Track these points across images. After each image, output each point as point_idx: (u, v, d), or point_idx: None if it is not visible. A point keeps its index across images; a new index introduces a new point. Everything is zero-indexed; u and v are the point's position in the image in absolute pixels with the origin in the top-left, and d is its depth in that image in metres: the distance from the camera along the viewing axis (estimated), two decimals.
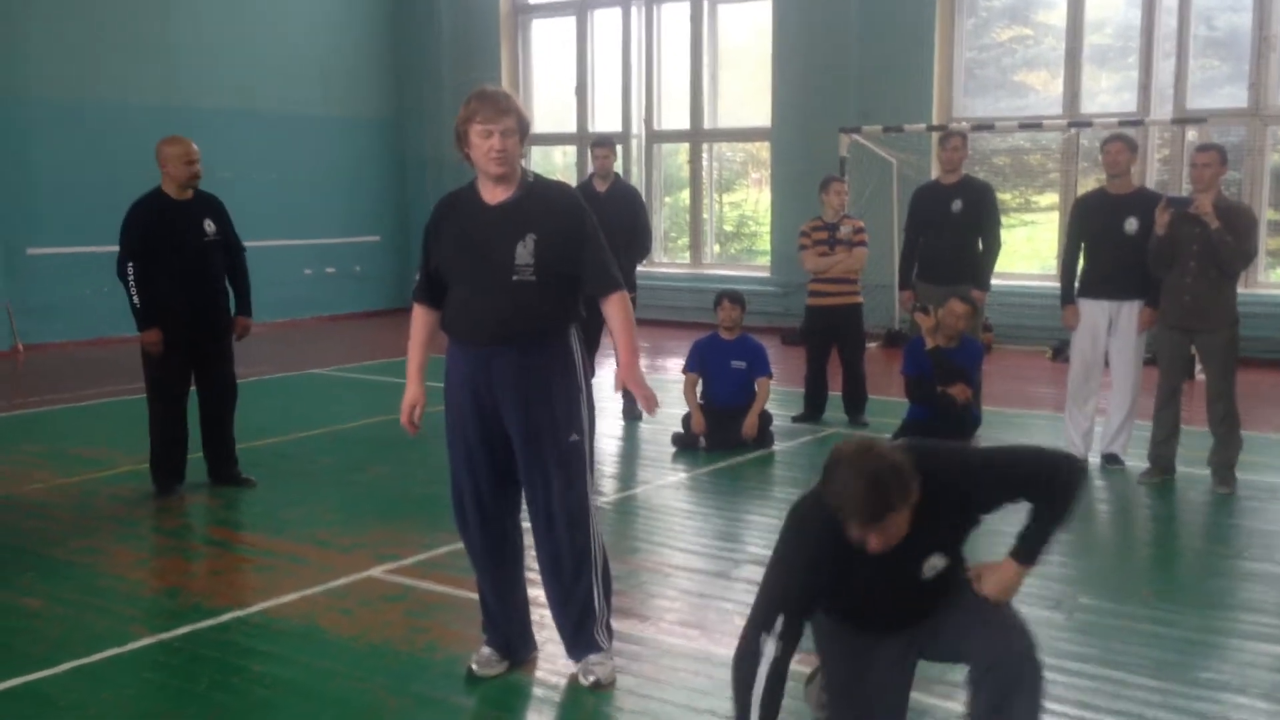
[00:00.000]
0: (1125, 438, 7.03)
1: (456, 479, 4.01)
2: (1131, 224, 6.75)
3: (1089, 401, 7.09)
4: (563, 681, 4.04)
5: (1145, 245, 6.61)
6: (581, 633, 4.02)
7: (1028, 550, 3.34)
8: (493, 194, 3.85)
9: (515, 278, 3.77)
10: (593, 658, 4.00)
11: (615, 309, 3.93)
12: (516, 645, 4.13)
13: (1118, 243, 6.79)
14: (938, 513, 3.10)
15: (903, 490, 2.96)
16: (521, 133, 3.79)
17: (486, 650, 4.11)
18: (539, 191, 3.89)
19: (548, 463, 3.88)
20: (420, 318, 4.06)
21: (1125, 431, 7.02)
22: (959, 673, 4.06)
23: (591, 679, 3.96)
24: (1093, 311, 6.95)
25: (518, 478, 3.98)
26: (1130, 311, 6.87)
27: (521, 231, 3.79)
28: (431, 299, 4.02)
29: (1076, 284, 7.04)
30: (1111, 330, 6.94)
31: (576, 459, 3.91)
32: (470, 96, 3.80)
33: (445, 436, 4.01)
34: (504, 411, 3.88)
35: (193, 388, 6.57)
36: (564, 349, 3.91)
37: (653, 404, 3.86)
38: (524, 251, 3.77)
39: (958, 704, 3.83)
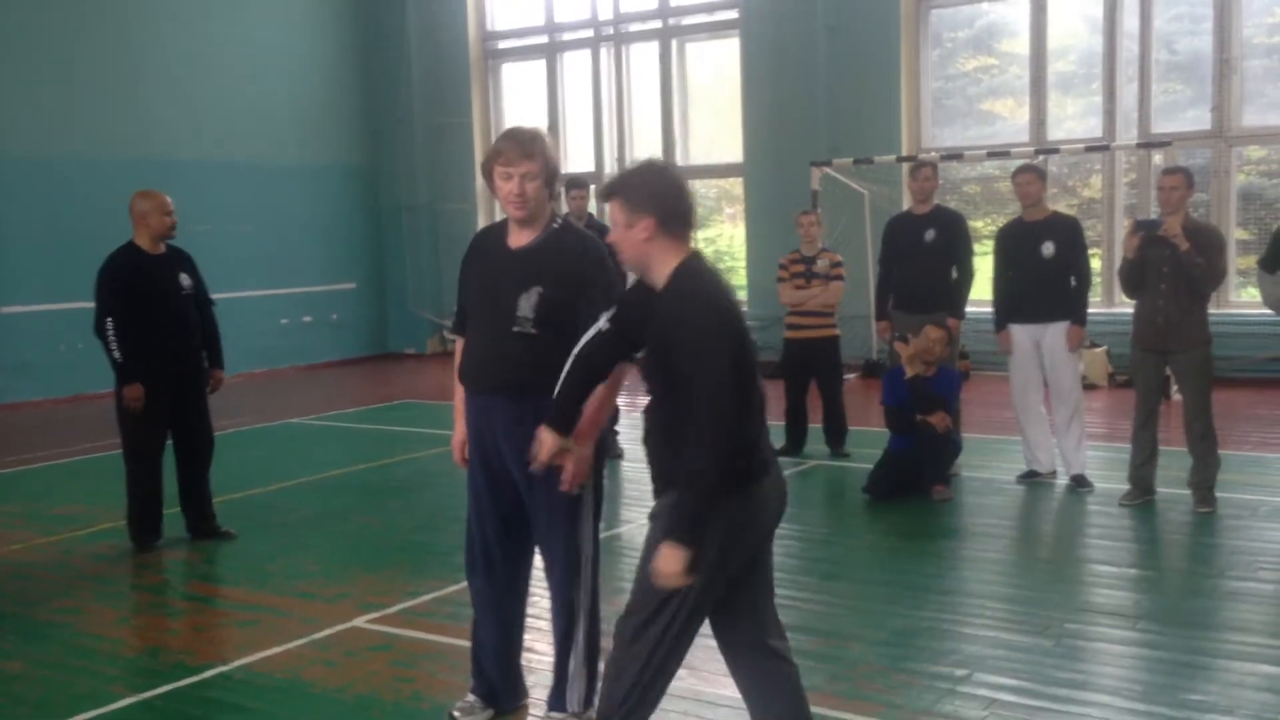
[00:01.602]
0: (1083, 456, 7.14)
1: (468, 522, 3.99)
2: (1048, 248, 7.07)
3: (1038, 422, 7.33)
4: None
5: (1062, 267, 7.05)
6: (558, 685, 3.96)
7: (674, 528, 3.01)
8: (516, 237, 3.81)
9: (515, 329, 3.71)
10: (554, 715, 3.95)
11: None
12: (503, 694, 4.09)
13: (1035, 266, 7.11)
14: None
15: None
16: (547, 176, 3.73)
17: (471, 697, 4.07)
18: (559, 240, 3.79)
19: (548, 513, 3.82)
20: (461, 350, 4.02)
21: (1080, 450, 7.14)
22: (962, 679, 4.06)
23: None
24: (1021, 335, 7.24)
25: (526, 526, 3.94)
26: (1056, 332, 7.11)
27: (529, 282, 3.72)
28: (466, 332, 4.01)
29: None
30: (1041, 351, 7.17)
31: (573, 513, 3.82)
32: (500, 135, 3.79)
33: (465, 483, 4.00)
34: (506, 460, 3.84)
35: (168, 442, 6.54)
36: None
37: (572, 481, 3.64)
38: (526, 304, 3.71)
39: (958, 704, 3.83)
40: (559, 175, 3.83)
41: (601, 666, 4.02)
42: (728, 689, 4.26)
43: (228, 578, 6.09)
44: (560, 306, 3.71)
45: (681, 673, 4.42)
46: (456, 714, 4.01)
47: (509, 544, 3.96)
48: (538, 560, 3.99)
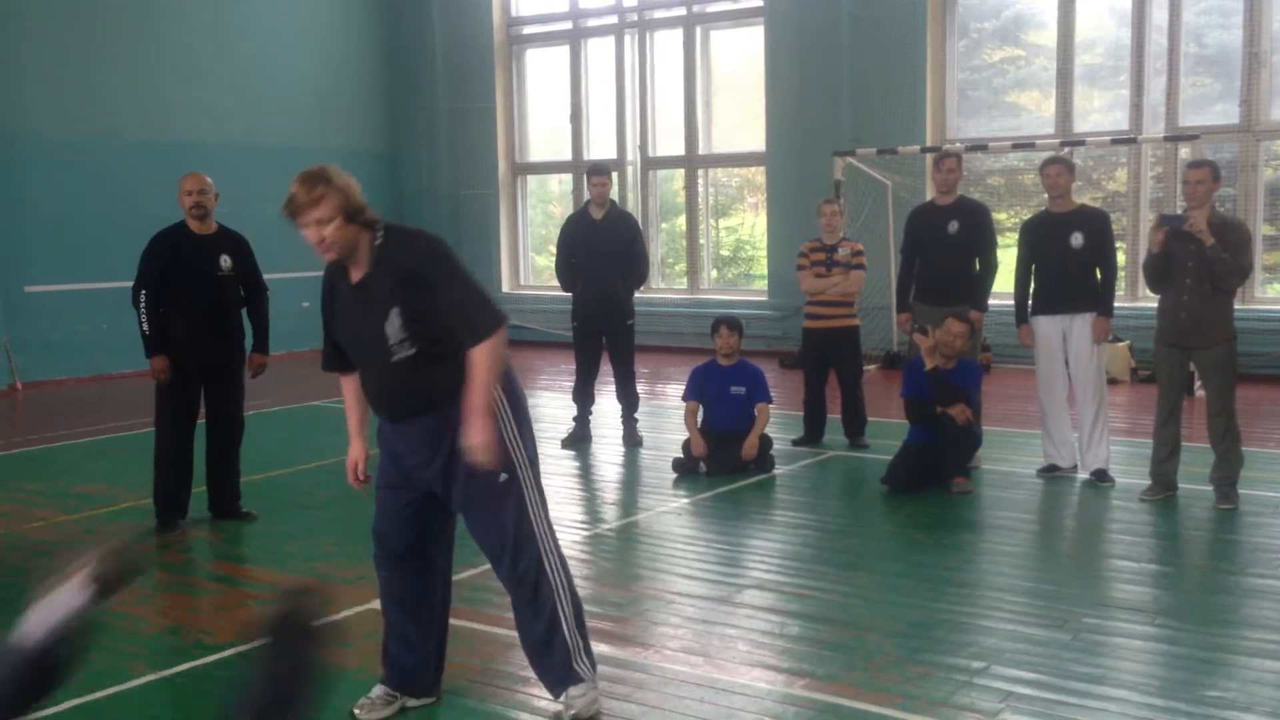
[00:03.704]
0: (1104, 451, 7.10)
1: (376, 529, 4.03)
2: (1077, 239, 7.04)
3: (1061, 416, 7.29)
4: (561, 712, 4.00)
5: (1091, 258, 7.02)
6: (554, 667, 3.94)
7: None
8: (354, 272, 3.77)
9: (395, 358, 3.71)
10: (572, 690, 3.92)
11: (476, 357, 3.68)
12: (419, 686, 4.08)
13: (1065, 258, 7.07)
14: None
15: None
16: (347, 212, 3.63)
17: (377, 691, 4.04)
18: (389, 256, 3.72)
19: (479, 505, 3.84)
20: (344, 382, 4.08)
21: (1102, 444, 7.09)
22: (979, 671, 4.06)
23: (571, 714, 3.89)
24: (1047, 328, 7.19)
25: (440, 525, 4.02)
26: (1083, 324, 7.09)
27: (384, 308, 3.69)
28: (341, 366, 4.03)
29: (1030, 304, 7.28)
30: (1067, 344, 7.11)
31: (507, 496, 3.83)
32: (293, 181, 3.70)
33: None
34: (422, 473, 3.86)
35: (202, 421, 6.60)
36: (460, 407, 3.83)
37: (483, 458, 3.67)
38: (394, 329, 3.69)
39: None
40: (359, 205, 3.68)
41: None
42: (741, 676, 4.28)
43: (248, 558, 6.13)
44: (425, 317, 3.70)
45: (696, 659, 4.45)
46: (357, 712, 3.98)
47: (426, 543, 4.01)
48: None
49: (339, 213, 3.63)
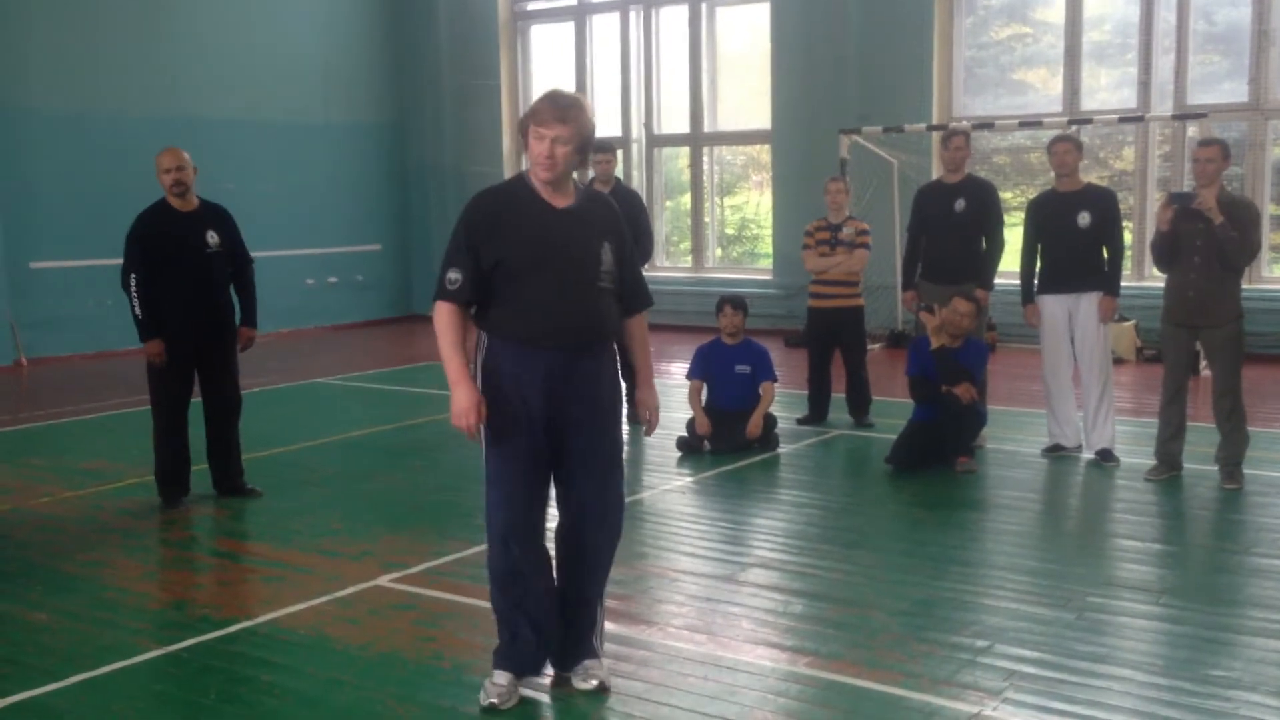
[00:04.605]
0: (1109, 430, 7.09)
1: (513, 490, 3.83)
2: (1084, 218, 7.02)
3: (1067, 395, 7.28)
4: (565, 691, 4.01)
5: (1098, 237, 7.01)
6: (582, 639, 4.02)
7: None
8: (554, 197, 3.84)
9: (600, 284, 3.85)
10: (589, 663, 4.00)
11: (641, 325, 4.09)
12: (565, 654, 4.02)
13: (1072, 236, 7.05)
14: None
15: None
16: (579, 144, 3.75)
17: (504, 680, 3.92)
18: (598, 201, 3.99)
19: (600, 461, 3.94)
20: (455, 318, 3.79)
21: (1107, 424, 7.09)
22: (983, 650, 4.06)
23: (594, 683, 3.95)
24: (1053, 307, 7.18)
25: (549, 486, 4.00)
26: (1089, 303, 7.08)
27: (600, 238, 3.87)
28: (475, 298, 3.82)
29: (1036, 283, 7.28)
30: (1073, 323, 7.12)
31: (619, 460, 4.03)
32: (543, 95, 3.84)
33: (493, 449, 3.83)
34: (570, 414, 3.82)
35: (199, 399, 6.58)
36: (615, 354, 4.04)
37: (656, 419, 4.11)
38: (607, 259, 3.86)
39: (967, 705, 3.83)
40: (590, 145, 3.86)
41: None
42: (745, 654, 4.29)
43: (253, 534, 6.14)
44: (622, 262, 3.93)
45: (700, 637, 4.46)
46: (495, 701, 3.86)
47: (544, 504, 3.98)
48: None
49: (574, 140, 3.76)
